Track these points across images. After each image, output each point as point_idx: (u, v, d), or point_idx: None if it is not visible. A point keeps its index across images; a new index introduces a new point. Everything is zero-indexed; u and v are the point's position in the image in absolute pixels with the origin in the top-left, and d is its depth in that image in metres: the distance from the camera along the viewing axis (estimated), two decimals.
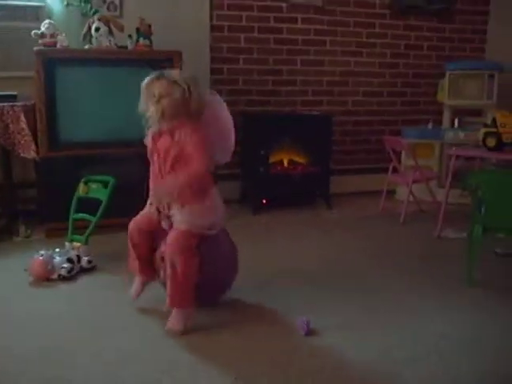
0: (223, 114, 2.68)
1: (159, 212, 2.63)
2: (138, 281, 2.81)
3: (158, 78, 2.54)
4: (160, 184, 2.59)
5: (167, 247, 2.52)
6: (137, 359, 2.32)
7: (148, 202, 2.72)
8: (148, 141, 2.67)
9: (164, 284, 2.68)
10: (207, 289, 2.61)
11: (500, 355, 2.40)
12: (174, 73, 2.59)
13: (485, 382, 2.19)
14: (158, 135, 2.60)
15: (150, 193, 2.70)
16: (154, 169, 2.67)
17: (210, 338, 2.50)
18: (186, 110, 2.53)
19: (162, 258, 2.61)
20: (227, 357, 2.34)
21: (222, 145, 2.68)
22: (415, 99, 5.84)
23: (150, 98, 2.53)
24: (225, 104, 2.69)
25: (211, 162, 2.59)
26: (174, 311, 2.54)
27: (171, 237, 2.53)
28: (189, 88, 2.51)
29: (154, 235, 2.70)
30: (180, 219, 2.55)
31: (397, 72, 5.71)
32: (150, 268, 2.77)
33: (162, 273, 2.68)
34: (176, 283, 2.49)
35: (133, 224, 2.71)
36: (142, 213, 2.73)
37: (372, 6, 5.49)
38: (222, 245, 2.75)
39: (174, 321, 2.53)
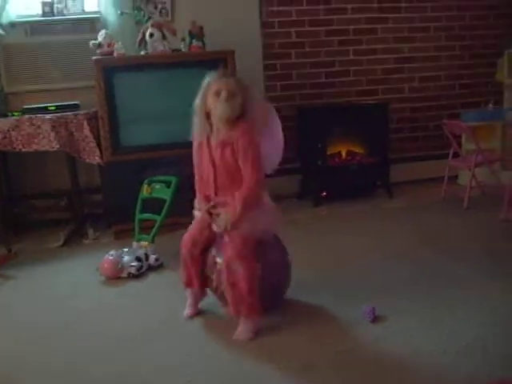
0: (276, 125, 2.66)
1: (211, 215, 2.58)
2: (192, 297, 2.74)
3: (224, 76, 2.56)
4: (222, 216, 2.51)
5: (229, 254, 2.45)
6: (201, 355, 2.38)
7: (196, 209, 2.69)
8: (195, 144, 2.64)
9: (214, 290, 2.65)
10: (268, 293, 2.54)
11: None
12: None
13: None
14: (208, 143, 2.57)
15: (196, 200, 2.68)
16: (204, 175, 2.62)
17: (276, 337, 2.51)
18: (245, 114, 2.52)
19: (215, 263, 2.58)
20: (295, 344, 2.39)
21: (272, 158, 2.66)
22: (473, 81, 5.67)
23: (214, 96, 2.48)
24: (275, 113, 2.68)
25: (263, 176, 2.55)
26: (242, 320, 2.47)
27: (231, 244, 2.46)
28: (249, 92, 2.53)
29: (208, 246, 2.65)
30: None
31: (452, 55, 5.57)
32: (204, 282, 2.70)
33: (214, 278, 2.62)
34: (240, 291, 2.42)
35: (186, 237, 2.67)
36: (192, 226, 2.69)
37: None
38: (274, 248, 2.70)
39: (243, 330, 2.46)
